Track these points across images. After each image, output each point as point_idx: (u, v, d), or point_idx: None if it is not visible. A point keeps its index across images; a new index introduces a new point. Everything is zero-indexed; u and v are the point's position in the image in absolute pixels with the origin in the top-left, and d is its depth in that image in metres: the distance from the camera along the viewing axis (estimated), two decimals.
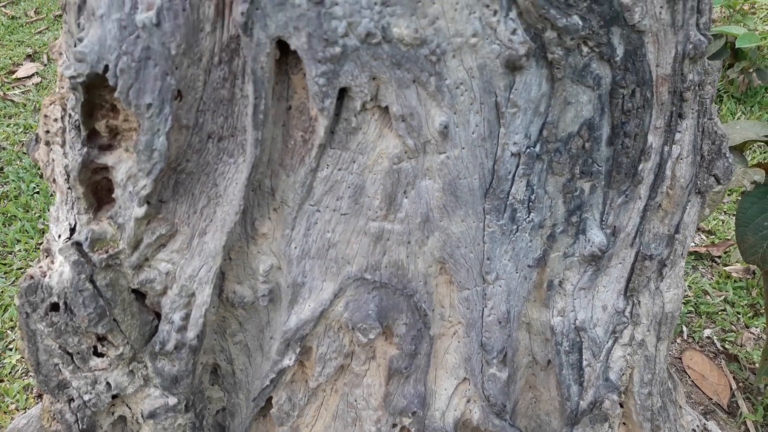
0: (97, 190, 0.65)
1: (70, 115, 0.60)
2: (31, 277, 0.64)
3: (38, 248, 1.77)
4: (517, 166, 0.63)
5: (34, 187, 2.00)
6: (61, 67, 0.51)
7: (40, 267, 0.65)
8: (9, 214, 1.87)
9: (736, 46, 2.02)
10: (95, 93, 0.55)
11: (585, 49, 0.58)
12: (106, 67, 0.51)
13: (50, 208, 0.72)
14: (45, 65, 2.53)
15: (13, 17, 2.85)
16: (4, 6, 2.94)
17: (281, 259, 0.63)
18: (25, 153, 2.12)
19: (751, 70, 2.11)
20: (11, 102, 2.35)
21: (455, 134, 0.59)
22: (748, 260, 1.10)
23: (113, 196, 0.61)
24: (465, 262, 0.67)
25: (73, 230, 0.64)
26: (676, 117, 0.68)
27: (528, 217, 0.66)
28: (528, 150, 0.62)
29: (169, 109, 0.51)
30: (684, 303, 1.53)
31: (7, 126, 2.25)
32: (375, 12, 0.50)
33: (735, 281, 1.56)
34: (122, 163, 0.59)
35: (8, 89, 2.43)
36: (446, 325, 0.70)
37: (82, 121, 0.58)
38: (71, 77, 0.51)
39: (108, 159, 0.60)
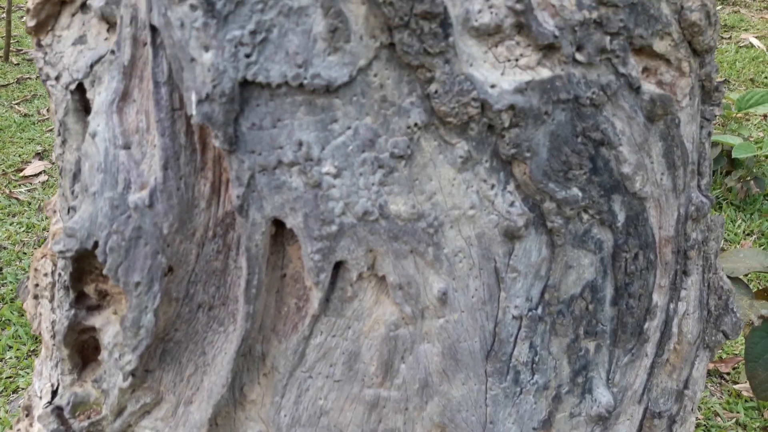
0: (84, 348, 0.62)
1: (59, 274, 0.59)
2: None
3: (30, 356, 1.72)
4: (519, 329, 0.61)
5: None
6: (52, 244, 0.50)
7: (18, 430, 0.62)
8: (3, 318, 1.83)
9: (733, 156, 2.05)
10: (85, 261, 0.54)
11: (585, 217, 0.58)
12: (96, 244, 0.50)
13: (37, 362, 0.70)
14: (53, 163, 2.57)
15: (25, 115, 2.93)
16: (18, 104, 3.03)
17: (270, 426, 0.60)
18: (25, 253, 2.11)
19: (748, 178, 2.13)
20: (16, 200, 2.37)
21: (454, 299, 0.58)
22: (760, 396, 1.05)
23: (99, 358, 0.59)
24: (467, 426, 0.63)
25: (55, 392, 0.61)
26: (681, 275, 0.66)
27: (532, 379, 0.63)
28: (530, 313, 0.60)
29: (158, 287, 0.49)
30: (695, 426, 1.46)
31: (10, 225, 2.25)
32: (372, 192, 0.50)
33: (746, 400, 1.50)
34: (110, 326, 0.57)
35: (15, 187, 2.45)
36: None
37: (70, 284, 0.56)
38: (60, 252, 0.50)
39: (96, 321, 0.58)
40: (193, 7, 0.42)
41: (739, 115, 2.42)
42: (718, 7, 3.37)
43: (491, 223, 0.55)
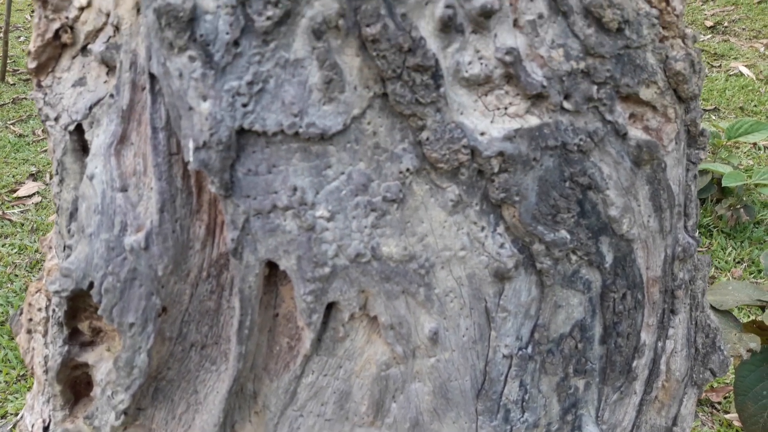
0: (76, 383, 0.62)
1: (53, 310, 0.59)
2: None
3: (20, 380, 1.71)
4: (510, 368, 0.62)
5: None
6: (47, 282, 0.51)
7: None
8: None
9: (723, 185, 2.07)
10: (80, 299, 0.55)
11: (574, 258, 0.59)
12: (91, 284, 0.50)
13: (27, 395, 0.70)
14: (47, 184, 2.57)
15: (20, 135, 2.93)
16: (13, 124, 3.04)
17: None
18: (17, 276, 2.10)
19: (738, 206, 2.16)
20: (9, 221, 2.36)
21: (445, 339, 0.58)
22: (750, 430, 1.06)
23: (92, 394, 0.59)
24: None
25: (46, 428, 0.61)
26: (669, 313, 0.67)
27: (522, 417, 0.64)
28: (520, 352, 0.61)
29: (152, 327, 0.50)
30: None
31: (2, 246, 2.24)
32: (365, 234, 0.51)
33: (737, 431, 1.50)
34: (103, 363, 0.57)
35: (8, 208, 2.45)
36: None
37: (64, 321, 0.57)
38: (55, 292, 0.50)
39: (89, 357, 0.58)
40: (191, 59, 0.43)
41: (728, 143, 2.45)
42: (708, 36, 3.43)
43: (481, 263, 0.56)
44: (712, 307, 1.10)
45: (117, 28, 0.51)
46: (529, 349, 0.61)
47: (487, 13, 0.46)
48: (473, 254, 0.55)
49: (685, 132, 0.61)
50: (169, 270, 0.50)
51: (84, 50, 0.54)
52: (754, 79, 3.04)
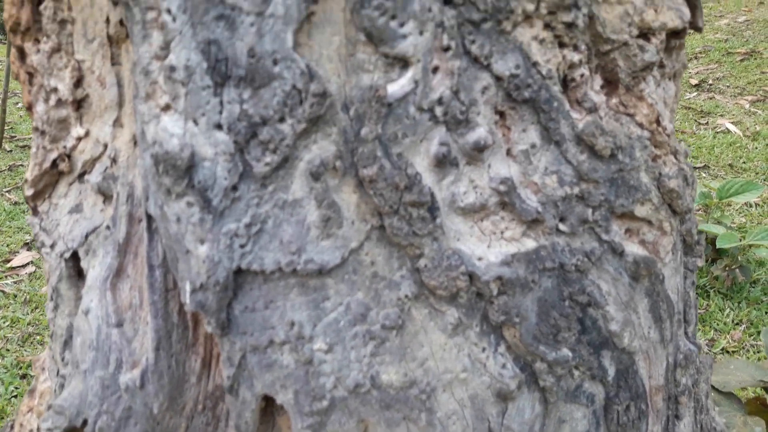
0: None
1: None
2: None
3: None
4: None
5: (13, 390, 1.92)
6: (41, 420, 0.50)
7: None
8: None
9: (717, 246, 2.08)
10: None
11: (576, 373, 0.58)
12: (85, 421, 0.49)
13: None
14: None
15: (16, 203, 2.93)
16: (9, 191, 3.04)
17: None
18: (8, 350, 2.07)
19: (733, 267, 2.16)
20: (2, 293, 2.34)
21: None
22: None
23: None
24: None
25: None
26: (673, 419, 0.66)
27: None
28: None
29: None
30: None
31: None
32: (364, 364, 0.50)
33: None
34: None
35: (0, 279, 2.43)
36: None
37: None
38: (48, 429, 0.49)
39: None
40: (189, 204, 0.43)
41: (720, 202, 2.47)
42: (693, 94, 3.50)
43: (484, 384, 0.55)
44: (714, 389, 1.09)
45: (114, 161, 0.51)
46: None
47: (480, 148, 0.47)
48: (475, 375, 0.55)
49: (681, 241, 0.62)
50: (164, 407, 0.48)
51: (81, 177, 0.55)
52: (741, 135, 3.10)
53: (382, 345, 0.51)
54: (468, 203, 0.49)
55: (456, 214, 0.50)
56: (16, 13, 0.50)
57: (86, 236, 0.53)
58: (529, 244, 0.52)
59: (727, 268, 2.18)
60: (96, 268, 0.51)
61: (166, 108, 0.43)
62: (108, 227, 0.51)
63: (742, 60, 3.83)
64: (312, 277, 0.47)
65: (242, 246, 0.45)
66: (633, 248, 0.57)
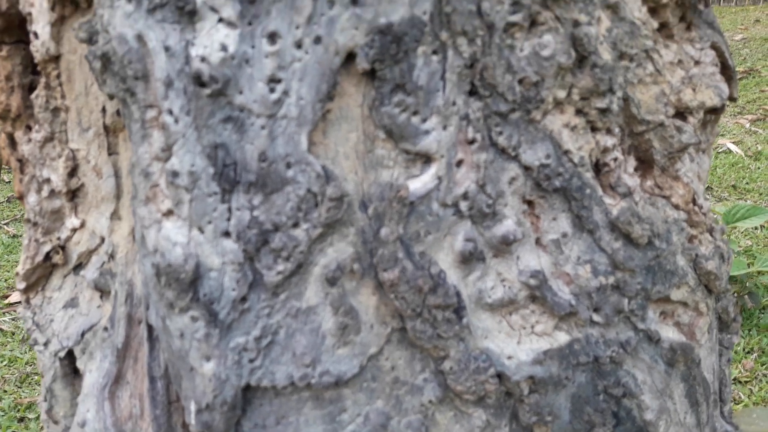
0: None
1: None
2: None
3: None
4: None
5: None
6: None
7: None
8: None
9: None
10: None
11: None
12: None
13: None
14: None
15: (14, 236, 2.89)
16: (7, 224, 3.00)
17: None
18: (5, 391, 2.01)
19: (742, 293, 2.12)
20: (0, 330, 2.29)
21: None
22: None
23: None
24: None
25: None
26: None
27: None
28: None
29: None
30: None
31: None
32: None
33: None
34: None
35: None
36: None
37: None
38: None
39: None
40: (194, 319, 0.39)
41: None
42: None
43: None
44: None
45: (112, 256, 0.47)
46: None
47: (509, 242, 0.44)
48: None
49: (717, 319, 0.58)
50: None
51: (76, 270, 0.51)
52: (743, 156, 3.07)
53: None
54: (496, 299, 0.46)
55: (483, 310, 0.46)
56: (5, 99, 0.46)
57: (82, 334, 0.49)
58: (562, 338, 0.48)
59: (736, 295, 2.14)
60: (93, 373, 0.47)
61: (169, 213, 0.39)
62: (105, 328, 0.47)
63: (740, 79, 3.82)
64: (327, 389, 0.43)
65: (251, 361, 0.41)
66: (668, 333, 0.53)
